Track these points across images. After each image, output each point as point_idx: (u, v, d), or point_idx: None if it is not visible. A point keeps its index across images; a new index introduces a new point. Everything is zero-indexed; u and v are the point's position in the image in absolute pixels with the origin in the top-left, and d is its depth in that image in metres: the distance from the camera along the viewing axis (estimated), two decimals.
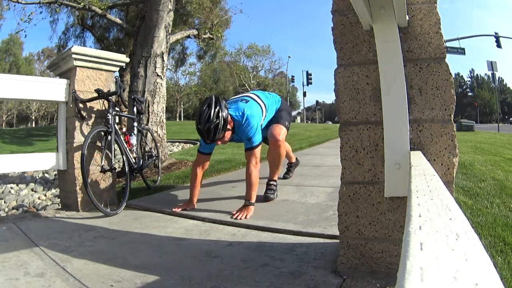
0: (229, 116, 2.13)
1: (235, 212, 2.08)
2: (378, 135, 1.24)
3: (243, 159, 2.98)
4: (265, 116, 2.41)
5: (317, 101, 49.86)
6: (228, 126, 2.13)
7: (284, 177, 3.04)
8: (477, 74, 59.23)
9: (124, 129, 3.65)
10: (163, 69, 4.09)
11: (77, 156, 2.43)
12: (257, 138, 2.21)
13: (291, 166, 3.13)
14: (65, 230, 1.93)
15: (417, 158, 1.01)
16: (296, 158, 3.19)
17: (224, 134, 2.12)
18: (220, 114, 2.05)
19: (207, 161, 2.43)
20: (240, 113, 2.21)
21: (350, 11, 1.27)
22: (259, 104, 2.36)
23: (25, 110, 41.67)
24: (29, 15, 8.21)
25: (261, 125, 2.32)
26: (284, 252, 1.51)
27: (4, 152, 9.15)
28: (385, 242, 1.24)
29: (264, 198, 2.36)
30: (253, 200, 2.13)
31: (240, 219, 1.99)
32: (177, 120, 35.23)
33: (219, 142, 2.17)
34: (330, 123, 40.44)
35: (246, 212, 2.05)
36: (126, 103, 3.11)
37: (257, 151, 2.20)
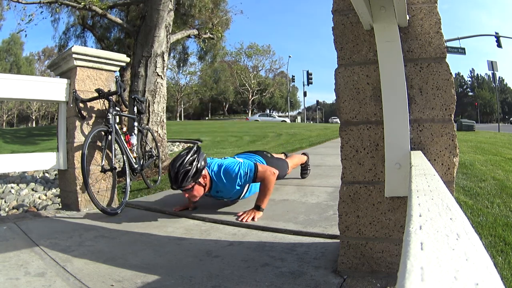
0: (205, 171, 2.03)
1: (240, 214, 2.04)
2: (379, 135, 1.24)
3: None
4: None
5: (317, 101, 49.80)
6: (201, 181, 2.00)
7: (302, 177, 3.01)
8: (477, 74, 59.06)
9: (124, 129, 3.66)
10: (163, 69, 4.09)
11: (77, 155, 2.43)
12: (250, 165, 2.10)
13: (306, 165, 3.07)
14: (66, 230, 1.93)
15: (418, 158, 1.01)
16: (306, 154, 3.11)
17: (194, 186, 1.97)
18: (195, 164, 1.94)
19: None
20: (218, 165, 2.13)
21: (351, 11, 1.27)
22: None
23: (26, 109, 41.67)
24: (29, 15, 8.21)
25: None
26: (285, 252, 1.51)
27: (5, 151, 9.15)
28: (385, 242, 1.24)
29: None
30: (264, 206, 2.06)
31: (246, 221, 1.93)
32: (178, 120, 35.24)
33: (187, 195, 2.00)
34: (335, 120, 38.35)
35: (253, 214, 1.99)
36: (127, 102, 3.11)
37: (261, 167, 2.09)
